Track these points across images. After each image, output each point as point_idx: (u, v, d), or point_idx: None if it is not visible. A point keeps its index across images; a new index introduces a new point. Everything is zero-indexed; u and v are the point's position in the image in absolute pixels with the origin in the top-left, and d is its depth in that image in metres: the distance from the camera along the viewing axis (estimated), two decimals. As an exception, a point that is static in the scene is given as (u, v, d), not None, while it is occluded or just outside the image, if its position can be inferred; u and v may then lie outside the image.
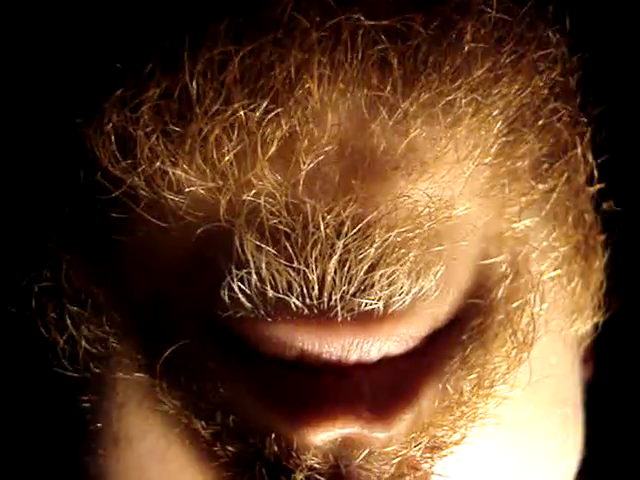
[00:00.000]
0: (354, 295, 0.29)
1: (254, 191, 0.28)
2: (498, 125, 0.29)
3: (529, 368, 0.31)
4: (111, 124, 0.29)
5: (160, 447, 0.31)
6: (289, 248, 0.28)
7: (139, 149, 0.29)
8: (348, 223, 0.28)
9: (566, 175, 0.32)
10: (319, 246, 0.28)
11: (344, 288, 0.28)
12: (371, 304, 0.29)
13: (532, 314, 0.31)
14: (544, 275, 0.32)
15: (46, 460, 0.36)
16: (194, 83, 0.28)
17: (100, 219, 0.31)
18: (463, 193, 0.30)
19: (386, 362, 0.29)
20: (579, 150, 0.33)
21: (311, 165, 0.28)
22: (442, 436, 0.30)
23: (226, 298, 0.29)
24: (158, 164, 0.29)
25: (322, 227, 0.28)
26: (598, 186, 0.34)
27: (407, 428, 0.29)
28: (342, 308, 0.29)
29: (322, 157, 0.28)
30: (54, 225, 0.32)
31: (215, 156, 0.28)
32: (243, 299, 0.29)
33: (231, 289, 0.29)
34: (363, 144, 0.29)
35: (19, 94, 0.33)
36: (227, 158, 0.28)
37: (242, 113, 0.28)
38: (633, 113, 0.44)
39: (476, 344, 0.30)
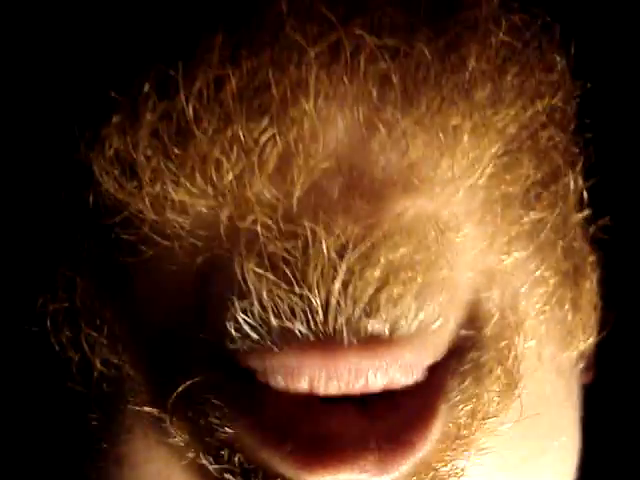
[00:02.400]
0: (360, 318, 0.28)
1: (252, 217, 0.28)
2: (495, 145, 0.29)
3: (522, 404, 0.31)
4: (112, 149, 0.29)
5: (162, 476, 0.31)
6: (289, 273, 0.28)
7: (141, 173, 0.29)
8: (350, 245, 0.28)
9: (556, 205, 0.32)
10: (320, 269, 0.28)
11: (349, 311, 0.28)
12: (378, 327, 0.28)
13: (516, 354, 0.31)
14: (534, 310, 0.32)
15: (50, 472, 0.37)
16: (190, 105, 0.28)
17: (110, 244, 0.31)
18: (460, 215, 0.30)
19: (389, 407, 0.29)
20: (570, 178, 0.32)
21: (307, 181, 0.28)
22: (441, 469, 0.30)
23: (232, 330, 0.29)
24: (161, 186, 0.29)
25: (324, 249, 0.28)
26: (587, 212, 0.34)
27: (410, 469, 0.29)
28: (348, 332, 0.28)
29: (319, 173, 0.28)
30: (67, 250, 0.32)
31: (215, 176, 0.28)
32: (247, 329, 0.29)
33: (236, 320, 0.29)
34: (361, 161, 0.28)
35: (23, 125, 0.33)
36: (226, 177, 0.28)
37: (240, 133, 0.28)
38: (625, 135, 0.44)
39: (472, 377, 0.30)
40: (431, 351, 0.30)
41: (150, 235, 0.30)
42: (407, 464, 0.28)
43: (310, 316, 0.28)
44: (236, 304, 0.29)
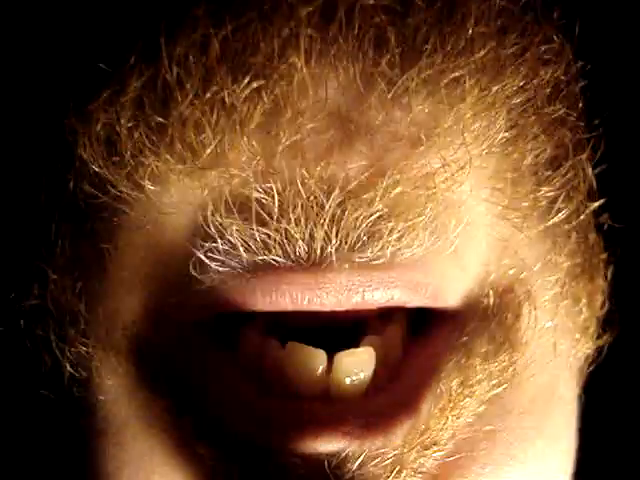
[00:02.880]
0: (353, 248, 0.28)
1: (234, 176, 0.28)
2: (502, 114, 0.29)
3: (533, 394, 0.30)
4: (99, 124, 0.28)
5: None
6: (263, 213, 0.27)
7: (123, 145, 0.28)
8: (341, 184, 0.27)
9: (567, 187, 0.31)
10: (301, 207, 0.27)
11: (340, 242, 0.27)
12: (375, 255, 0.28)
13: (523, 327, 0.30)
14: (547, 294, 0.31)
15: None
16: (173, 68, 0.27)
17: (87, 231, 0.30)
18: (472, 182, 0.29)
19: (379, 387, 0.29)
20: (580, 160, 0.32)
21: (293, 136, 0.27)
22: (435, 435, 0.29)
23: (196, 273, 0.28)
24: (141, 157, 0.28)
25: (309, 186, 0.27)
26: (598, 202, 0.33)
27: (404, 434, 0.28)
28: (338, 259, 0.28)
29: (307, 129, 0.27)
30: (42, 242, 0.31)
31: (195, 141, 0.27)
32: (214, 265, 0.28)
33: (201, 262, 0.28)
34: (358, 116, 0.28)
35: (4, 104, 0.32)
36: (207, 141, 0.27)
37: (223, 92, 0.27)
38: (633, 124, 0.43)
39: (469, 348, 0.29)
40: (437, 284, 0.29)
41: (131, 216, 0.29)
42: (400, 428, 0.28)
43: (288, 248, 0.28)
44: (202, 246, 0.28)
